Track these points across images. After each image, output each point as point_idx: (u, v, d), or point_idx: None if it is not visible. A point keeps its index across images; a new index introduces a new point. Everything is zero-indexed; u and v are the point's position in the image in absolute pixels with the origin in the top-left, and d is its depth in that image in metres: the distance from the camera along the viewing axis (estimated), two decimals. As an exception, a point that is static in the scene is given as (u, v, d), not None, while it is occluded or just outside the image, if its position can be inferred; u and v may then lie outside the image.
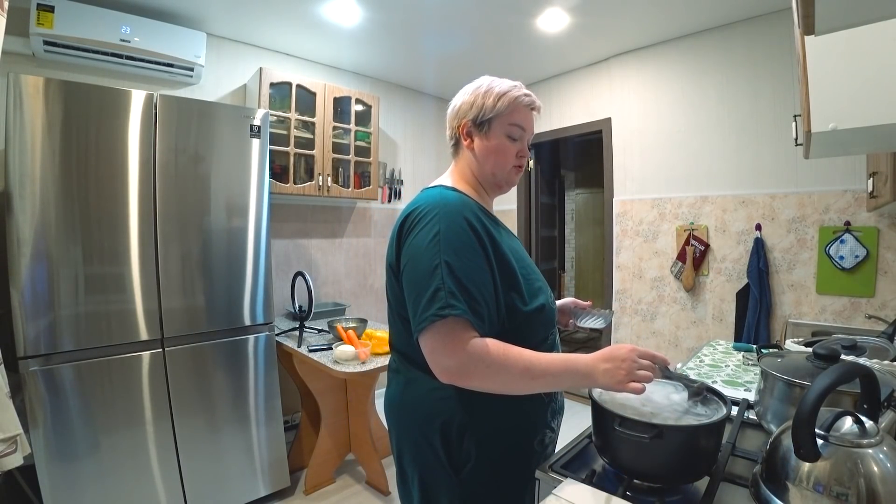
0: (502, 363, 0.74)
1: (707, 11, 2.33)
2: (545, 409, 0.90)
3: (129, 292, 1.68)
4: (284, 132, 2.53)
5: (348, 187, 2.84)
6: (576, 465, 0.82)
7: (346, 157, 2.81)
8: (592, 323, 1.05)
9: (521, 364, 0.74)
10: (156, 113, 1.72)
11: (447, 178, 0.95)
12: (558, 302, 1.12)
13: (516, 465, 0.86)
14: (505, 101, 0.88)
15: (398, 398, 0.91)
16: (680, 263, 2.64)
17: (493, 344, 0.75)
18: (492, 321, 0.78)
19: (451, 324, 0.73)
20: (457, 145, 0.96)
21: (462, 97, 0.94)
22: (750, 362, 1.51)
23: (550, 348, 0.90)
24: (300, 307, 2.33)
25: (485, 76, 0.94)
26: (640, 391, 0.71)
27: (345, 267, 3.16)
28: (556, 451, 0.89)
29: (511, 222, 3.67)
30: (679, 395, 0.81)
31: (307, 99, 2.62)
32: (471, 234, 0.78)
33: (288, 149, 2.52)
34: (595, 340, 4.80)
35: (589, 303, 1.11)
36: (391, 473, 2.21)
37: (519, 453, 0.86)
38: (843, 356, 0.88)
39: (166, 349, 1.76)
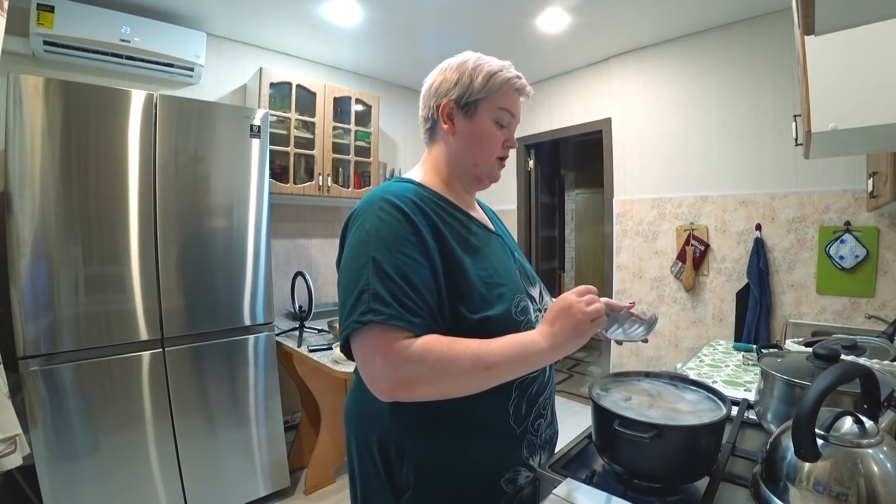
0: (449, 359, 0.62)
1: (707, 11, 2.33)
2: (517, 442, 0.75)
3: (129, 292, 1.67)
4: (284, 132, 2.53)
5: (348, 187, 2.84)
6: (576, 465, 0.82)
7: (346, 157, 2.81)
8: (631, 334, 0.77)
9: (468, 355, 0.63)
10: (156, 113, 1.72)
11: (416, 171, 0.84)
12: None
13: None
14: (496, 82, 0.77)
15: (350, 404, 0.82)
16: (680, 263, 2.64)
17: (434, 339, 0.64)
18: (435, 320, 0.67)
19: (377, 329, 0.62)
20: (432, 130, 0.83)
21: (443, 74, 0.80)
22: (750, 362, 1.51)
23: None
24: (300, 307, 2.33)
25: (468, 52, 0.82)
26: (601, 325, 0.68)
27: (345, 267, 3.15)
28: (556, 451, 0.88)
29: (511, 222, 3.66)
30: (693, 395, 0.82)
31: (307, 99, 2.61)
32: (405, 225, 0.67)
33: (288, 149, 2.52)
34: (594, 339, 4.78)
35: (630, 304, 0.80)
36: (391, 473, 2.21)
37: (476, 492, 0.72)
38: (843, 356, 0.88)
39: (166, 349, 1.76)
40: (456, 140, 0.80)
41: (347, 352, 0.68)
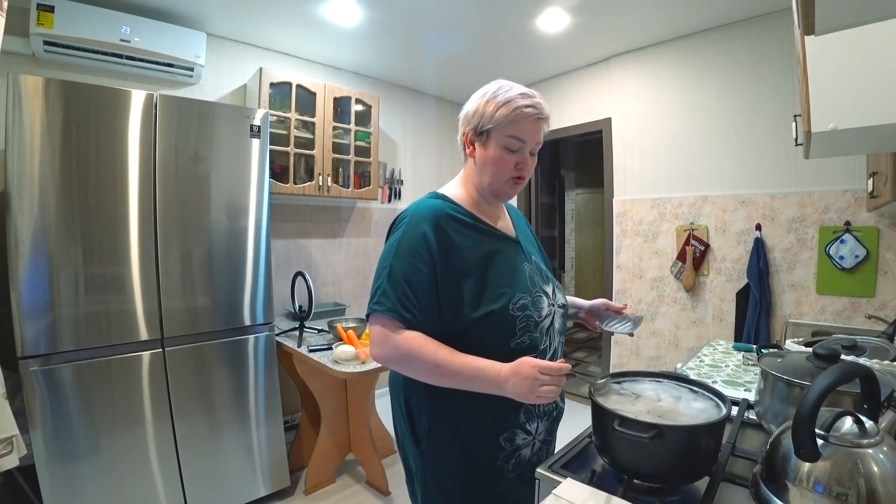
0: (415, 356, 0.82)
1: (707, 11, 2.33)
2: (515, 408, 0.89)
3: (129, 292, 1.67)
4: (284, 132, 2.53)
5: (348, 187, 2.84)
6: (576, 465, 0.82)
7: (346, 157, 2.81)
8: (620, 328, 1.03)
9: (431, 360, 0.81)
10: (156, 113, 1.71)
11: (452, 183, 1.00)
12: (589, 302, 1.12)
13: (477, 456, 0.90)
14: (503, 112, 0.87)
15: (392, 372, 1.00)
16: (680, 263, 2.64)
17: (412, 337, 0.83)
18: (426, 317, 0.85)
19: (380, 317, 0.85)
20: (464, 150, 0.98)
21: (471, 103, 0.94)
22: (750, 362, 1.51)
23: (520, 352, 0.83)
24: (300, 307, 2.33)
25: (498, 80, 0.93)
26: (549, 401, 0.79)
27: (345, 267, 3.16)
28: (556, 451, 0.88)
29: (511, 222, 3.66)
30: (700, 404, 0.81)
31: (307, 99, 2.61)
32: (422, 242, 0.86)
33: (288, 149, 2.52)
34: (595, 339, 4.80)
35: (623, 305, 1.08)
36: (391, 473, 2.21)
37: (478, 445, 0.89)
38: (843, 356, 0.88)
39: (166, 349, 1.76)
40: (476, 162, 0.94)
41: None
